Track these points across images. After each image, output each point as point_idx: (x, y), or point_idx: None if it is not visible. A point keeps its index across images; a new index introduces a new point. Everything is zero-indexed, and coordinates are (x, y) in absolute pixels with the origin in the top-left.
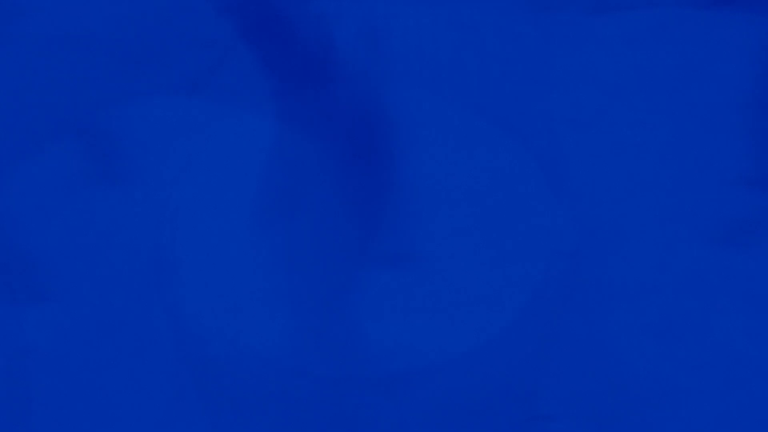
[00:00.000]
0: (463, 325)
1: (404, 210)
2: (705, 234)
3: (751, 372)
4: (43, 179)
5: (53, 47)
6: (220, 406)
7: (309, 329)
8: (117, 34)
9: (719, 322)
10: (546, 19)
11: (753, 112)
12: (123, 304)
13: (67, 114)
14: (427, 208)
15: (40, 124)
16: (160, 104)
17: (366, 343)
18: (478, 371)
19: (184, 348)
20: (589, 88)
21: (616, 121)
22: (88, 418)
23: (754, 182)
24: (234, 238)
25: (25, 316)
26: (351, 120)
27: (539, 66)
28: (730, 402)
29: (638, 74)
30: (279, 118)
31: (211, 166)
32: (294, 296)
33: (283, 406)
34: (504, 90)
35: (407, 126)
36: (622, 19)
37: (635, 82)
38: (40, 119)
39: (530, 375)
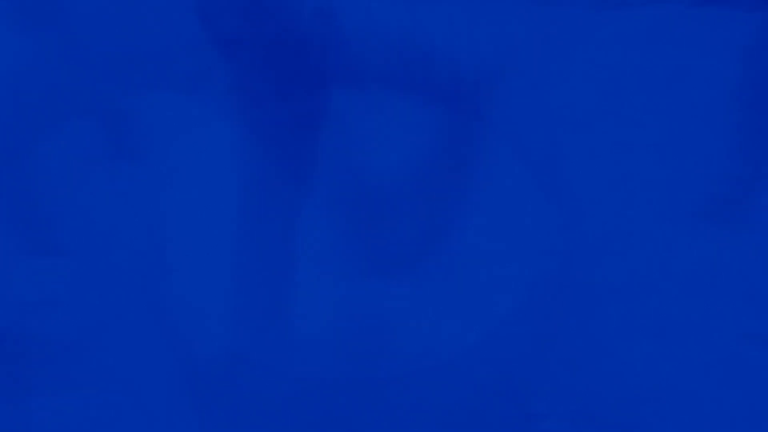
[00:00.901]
0: (457, 325)
1: (398, 210)
2: (698, 231)
3: (751, 372)
4: (64, 151)
5: (75, 46)
6: (215, 404)
7: (304, 330)
8: (128, 35)
9: (713, 321)
10: (547, 16)
11: (749, 109)
12: (124, 268)
13: (87, 99)
14: (421, 209)
15: (66, 106)
16: (164, 99)
17: (362, 345)
18: (472, 371)
19: (181, 337)
20: (585, 86)
21: (612, 119)
22: (88, 372)
23: (743, 180)
24: (231, 233)
25: (40, 266)
26: (348, 116)
27: (538, 63)
28: (725, 397)
29: (637, 71)
30: (277, 115)
31: (214, 163)
32: (290, 296)
33: (278, 405)
34: (500, 87)
35: (404, 123)
36: (623, 16)
37: (634, 78)
38: (65, 102)
39: (524, 374)
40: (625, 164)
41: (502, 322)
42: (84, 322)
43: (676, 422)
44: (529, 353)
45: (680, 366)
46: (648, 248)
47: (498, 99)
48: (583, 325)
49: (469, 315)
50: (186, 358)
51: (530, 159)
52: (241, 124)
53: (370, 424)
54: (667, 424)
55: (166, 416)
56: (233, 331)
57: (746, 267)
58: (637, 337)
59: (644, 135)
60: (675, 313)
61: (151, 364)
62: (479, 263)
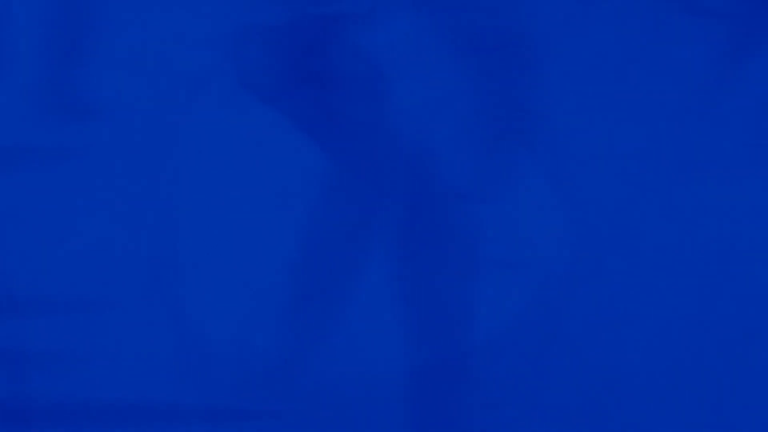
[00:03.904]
0: (459, 326)
1: (395, 208)
2: (699, 230)
3: (754, 375)
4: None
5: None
6: (219, 405)
7: (305, 327)
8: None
9: (716, 325)
10: (539, 12)
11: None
12: (125, 302)
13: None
14: (425, 207)
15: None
16: (164, 104)
17: (363, 344)
18: (479, 369)
19: (185, 346)
20: (580, 82)
21: (610, 113)
22: (90, 416)
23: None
24: (236, 236)
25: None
26: (344, 117)
27: (533, 63)
28: (729, 397)
29: (627, 67)
30: (283, 115)
31: (213, 162)
32: (290, 295)
33: (279, 403)
34: (497, 87)
35: (401, 122)
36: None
37: (625, 75)
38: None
39: (531, 373)
40: (628, 167)
41: (505, 325)
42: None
43: (680, 422)
44: (533, 356)
45: (684, 366)
46: (654, 253)
47: (495, 98)
48: (586, 329)
49: (471, 317)
50: (193, 375)
51: (534, 161)
52: (248, 123)
53: (371, 423)
54: (671, 424)
55: (173, 407)
56: (238, 346)
57: (757, 271)
58: (642, 342)
59: (645, 137)
60: (680, 319)
61: (161, 356)
62: (483, 265)
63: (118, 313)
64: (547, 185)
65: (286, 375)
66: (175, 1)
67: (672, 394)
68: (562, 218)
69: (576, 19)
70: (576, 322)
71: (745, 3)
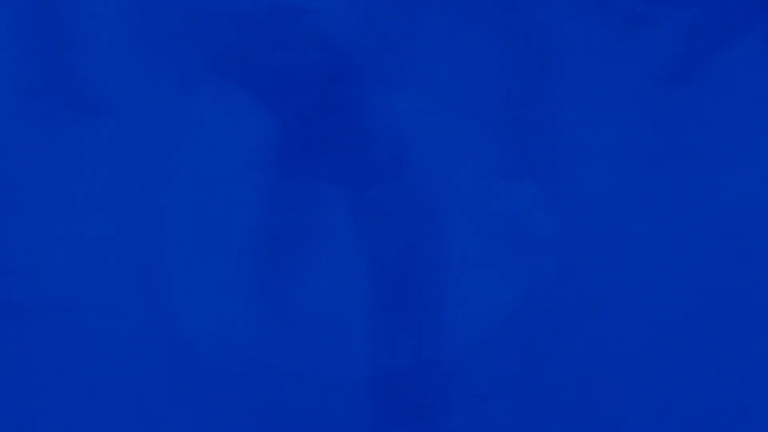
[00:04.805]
0: (453, 324)
1: (395, 210)
2: (691, 230)
3: (751, 374)
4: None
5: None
6: (210, 408)
7: (293, 328)
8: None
9: (706, 324)
10: (540, 22)
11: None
12: (117, 308)
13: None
14: (421, 209)
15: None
16: (160, 103)
17: (358, 344)
18: (473, 369)
19: (175, 348)
20: (579, 87)
21: (606, 121)
22: (82, 412)
23: None
24: (223, 241)
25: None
26: (344, 119)
27: (533, 67)
28: (726, 396)
29: (627, 72)
30: (273, 118)
31: (204, 166)
32: (280, 296)
33: (269, 405)
34: (498, 91)
35: (398, 127)
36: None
37: (612, 71)
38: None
39: (521, 374)
40: (621, 167)
41: (498, 323)
42: (91, 323)
43: (669, 421)
44: (525, 353)
45: (673, 367)
46: (645, 251)
47: (495, 102)
48: (579, 326)
49: (465, 315)
50: (183, 378)
51: (527, 162)
52: (238, 126)
53: (364, 424)
54: (660, 423)
55: (168, 413)
56: (226, 349)
57: (753, 269)
58: (634, 339)
59: (641, 139)
60: (673, 316)
61: (155, 360)
62: (477, 263)
63: (109, 315)
64: (538, 183)
65: (261, 376)
66: None
67: (662, 393)
68: (553, 217)
69: (561, 16)
70: (567, 322)
71: None
